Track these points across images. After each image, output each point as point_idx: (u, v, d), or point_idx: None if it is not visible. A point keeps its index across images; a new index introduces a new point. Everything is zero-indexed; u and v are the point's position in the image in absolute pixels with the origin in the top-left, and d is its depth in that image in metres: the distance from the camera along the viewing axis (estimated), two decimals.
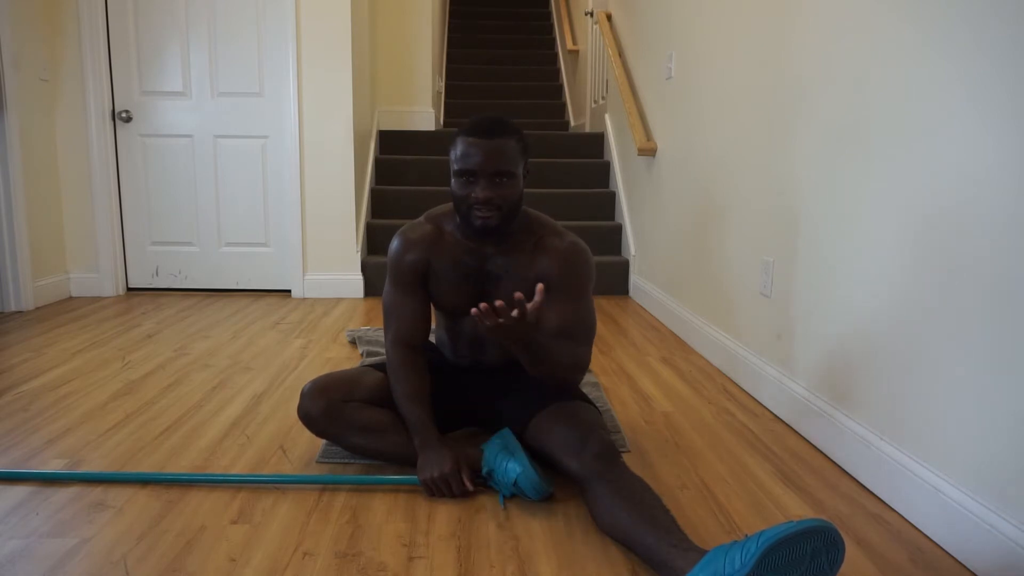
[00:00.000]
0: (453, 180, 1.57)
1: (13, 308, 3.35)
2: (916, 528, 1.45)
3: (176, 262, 3.90)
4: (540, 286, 1.36)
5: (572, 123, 6.39)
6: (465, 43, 7.41)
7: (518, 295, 1.33)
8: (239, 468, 1.70)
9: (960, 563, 1.33)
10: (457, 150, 1.54)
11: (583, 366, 1.59)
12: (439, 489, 1.53)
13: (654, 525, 1.25)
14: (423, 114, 5.27)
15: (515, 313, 1.34)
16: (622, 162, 4.34)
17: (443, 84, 6.39)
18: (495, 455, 1.56)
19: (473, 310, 1.35)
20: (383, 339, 2.57)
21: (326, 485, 1.60)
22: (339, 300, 3.79)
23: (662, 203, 3.42)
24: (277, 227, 3.88)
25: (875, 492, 1.60)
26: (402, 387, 1.64)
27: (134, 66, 3.73)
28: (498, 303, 1.33)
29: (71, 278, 3.76)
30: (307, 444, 1.84)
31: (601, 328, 3.22)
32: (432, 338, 2.50)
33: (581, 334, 1.61)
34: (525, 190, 4.34)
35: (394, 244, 1.68)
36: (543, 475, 1.53)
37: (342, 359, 2.66)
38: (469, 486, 1.53)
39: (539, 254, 1.62)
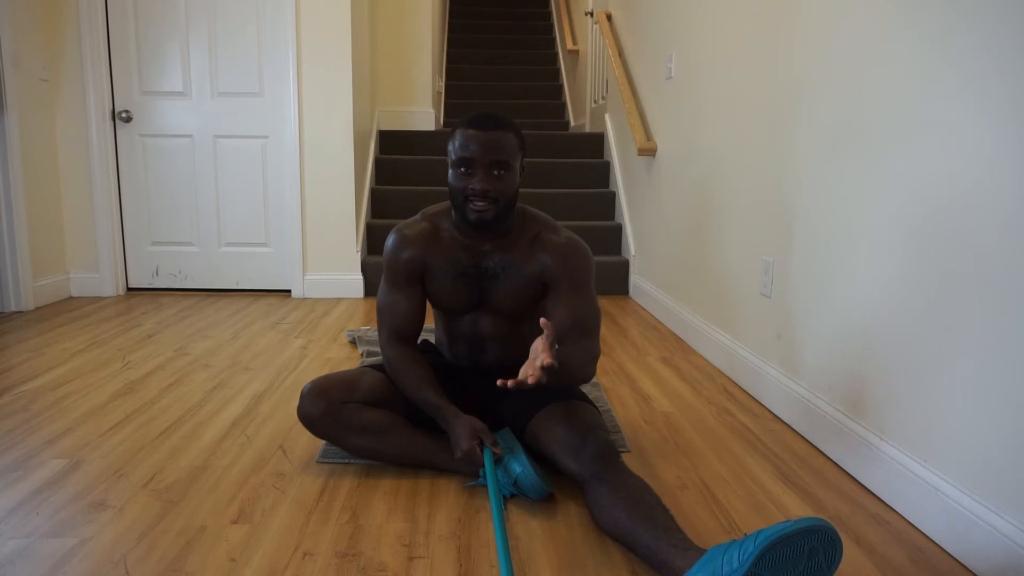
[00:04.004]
0: (450, 171, 1.57)
1: (13, 308, 3.35)
2: (916, 528, 1.45)
3: (176, 262, 3.90)
4: (544, 321, 1.29)
5: (572, 123, 6.39)
6: (465, 43, 7.41)
7: (508, 384, 1.26)
8: (239, 468, 1.70)
9: (960, 563, 1.33)
10: (456, 141, 1.55)
11: (597, 356, 1.60)
12: (475, 455, 1.52)
13: (653, 525, 1.25)
14: (423, 114, 5.27)
15: (531, 380, 1.25)
16: (622, 162, 4.34)
17: (443, 84, 6.39)
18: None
19: (499, 381, 1.28)
20: None
21: (326, 485, 1.60)
22: (339, 300, 3.79)
23: (662, 203, 3.42)
24: (277, 227, 3.88)
25: (875, 492, 1.60)
26: (408, 378, 1.64)
27: (134, 66, 3.73)
28: (510, 383, 1.26)
29: (71, 278, 3.76)
30: (307, 444, 1.84)
31: (601, 328, 3.22)
32: (432, 339, 2.50)
33: (591, 325, 1.61)
34: (525, 190, 4.37)
35: (390, 242, 1.68)
36: (543, 475, 1.53)
37: (342, 359, 2.66)
38: (495, 449, 1.52)
39: (536, 251, 1.62)
